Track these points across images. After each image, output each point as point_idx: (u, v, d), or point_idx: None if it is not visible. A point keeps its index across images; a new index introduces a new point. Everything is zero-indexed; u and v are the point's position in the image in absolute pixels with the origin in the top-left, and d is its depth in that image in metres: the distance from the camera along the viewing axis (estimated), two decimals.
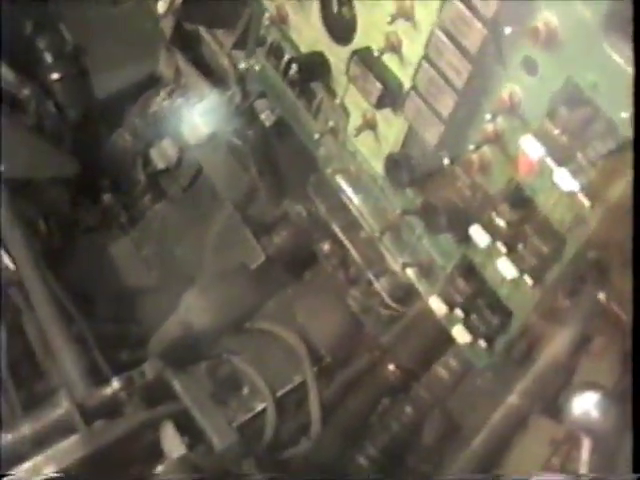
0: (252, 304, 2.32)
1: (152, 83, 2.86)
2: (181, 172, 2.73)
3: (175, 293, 2.44)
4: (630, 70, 1.27)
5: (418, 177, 1.61)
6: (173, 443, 1.68)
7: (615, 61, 1.28)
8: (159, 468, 1.70)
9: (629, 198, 1.37)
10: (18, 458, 1.68)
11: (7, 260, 2.34)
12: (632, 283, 1.33)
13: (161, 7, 2.08)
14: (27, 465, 1.65)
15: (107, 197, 2.93)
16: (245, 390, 2.28)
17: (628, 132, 1.30)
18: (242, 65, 2.01)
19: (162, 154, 2.81)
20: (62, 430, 1.72)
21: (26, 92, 2.89)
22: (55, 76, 2.92)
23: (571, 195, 1.41)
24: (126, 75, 2.89)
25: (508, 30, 1.37)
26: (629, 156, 1.33)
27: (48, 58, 2.95)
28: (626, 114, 1.30)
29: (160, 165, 2.79)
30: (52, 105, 2.93)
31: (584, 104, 1.35)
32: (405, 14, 1.55)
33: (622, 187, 1.39)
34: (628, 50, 1.28)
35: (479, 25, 1.41)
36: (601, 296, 1.75)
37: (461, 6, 1.41)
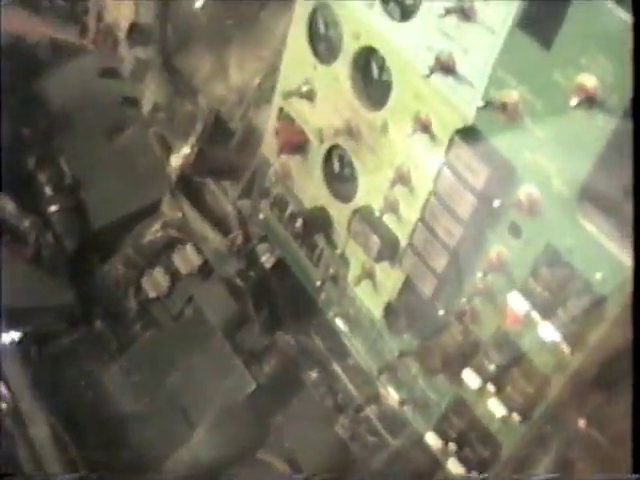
0: (256, 439, 2.42)
1: (146, 215, 3.01)
2: (172, 301, 2.82)
3: (165, 420, 2.52)
4: (602, 238, 1.47)
5: (415, 324, 1.78)
6: None
7: (588, 230, 1.48)
8: None
9: (605, 343, 1.55)
10: None
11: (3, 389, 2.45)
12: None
13: (174, 161, 2.26)
14: None
15: (98, 324, 3.02)
16: None
17: (603, 290, 1.49)
18: (246, 213, 2.18)
19: (154, 283, 2.92)
20: None
21: (26, 224, 3.05)
22: (54, 208, 3.08)
23: (554, 343, 1.59)
24: (121, 206, 3.04)
25: (496, 201, 1.56)
26: (604, 310, 1.51)
27: (48, 191, 3.12)
28: (600, 275, 1.50)
29: (151, 294, 2.89)
30: (51, 236, 3.08)
31: (563, 266, 1.54)
32: (403, 180, 1.75)
33: (598, 336, 1.57)
34: (600, 219, 1.49)
35: (470, 195, 1.61)
36: (581, 423, 1.89)
37: (454, 179, 1.62)
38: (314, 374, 2.47)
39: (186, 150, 2.24)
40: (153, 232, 2.98)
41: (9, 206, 3.09)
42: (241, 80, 2.24)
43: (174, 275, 2.85)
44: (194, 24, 2.43)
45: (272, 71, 2.07)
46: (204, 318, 2.67)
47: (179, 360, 2.68)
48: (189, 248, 2.83)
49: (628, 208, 1.46)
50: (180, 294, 2.82)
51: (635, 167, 1.38)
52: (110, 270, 3.02)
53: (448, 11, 1.55)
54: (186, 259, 2.85)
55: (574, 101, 1.38)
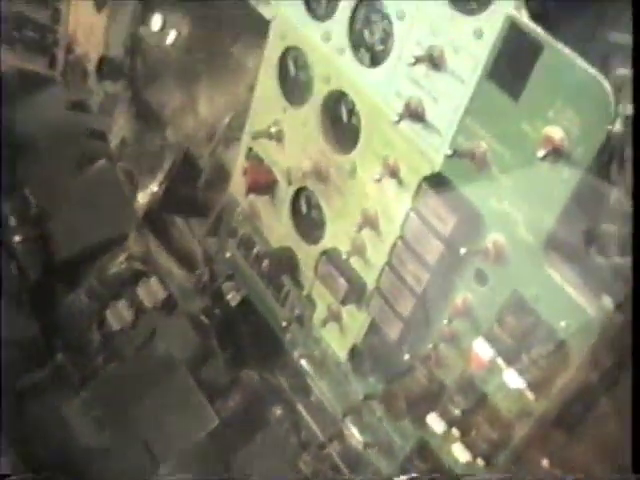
0: (219, 474, 2.40)
1: (111, 246, 3.00)
2: (136, 333, 2.81)
3: (128, 455, 2.50)
4: (567, 286, 1.49)
5: (380, 368, 1.79)
6: None
7: (553, 278, 1.50)
8: None
9: (568, 388, 1.57)
10: None
11: None
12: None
13: (141, 198, 2.26)
14: None
15: (60, 357, 2.99)
16: None
17: (567, 337, 1.51)
18: (213, 251, 2.18)
19: (118, 315, 2.91)
20: None
21: None
22: (18, 238, 3.06)
23: (518, 389, 1.60)
24: (86, 238, 3.03)
25: (463, 249, 1.58)
26: (568, 357, 1.53)
27: (12, 221, 3.10)
28: (564, 323, 1.51)
29: (115, 326, 2.88)
30: (15, 267, 3.05)
31: (528, 313, 1.56)
32: (371, 224, 1.76)
33: (562, 382, 1.58)
34: (565, 268, 1.51)
35: (437, 242, 1.62)
36: (544, 462, 1.90)
37: (421, 225, 1.63)
38: (278, 411, 2.47)
39: (154, 187, 2.23)
40: (118, 264, 2.98)
41: None
42: (210, 114, 2.24)
43: (138, 308, 2.84)
44: (164, 59, 2.43)
45: (242, 110, 2.08)
46: (168, 352, 2.64)
47: (142, 394, 2.65)
48: (154, 281, 2.82)
49: (593, 257, 1.48)
50: (144, 327, 2.81)
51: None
52: (74, 302, 2.99)
53: (418, 60, 1.57)
54: (150, 292, 2.85)
55: (541, 152, 1.40)
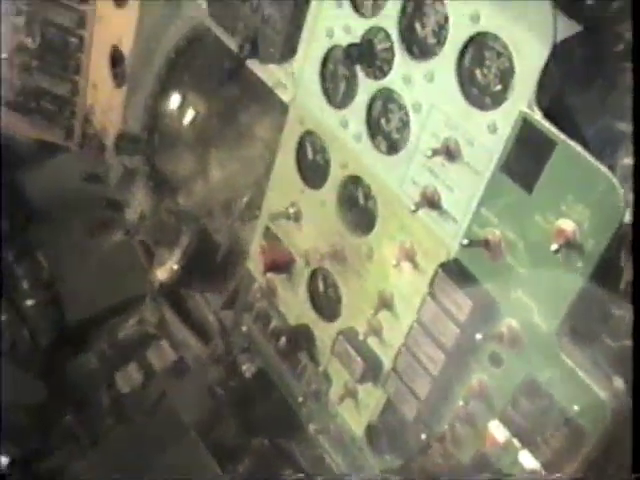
0: None
1: (122, 310, 3.03)
2: (145, 396, 2.82)
3: None
4: (580, 372, 1.53)
5: (396, 445, 1.83)
6: None
7: (567, 363, 1.55)
8: None
9: (581, 469, 1.61)
10: None
11: None
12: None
13: (160, 274, 2.31)
14: None
15: (69, 418, 3.00)
16: None
17: (581, 421, 1.55)
18: (228, 324, 2.23)
19: (127, 378, 2.93)
20: None
21: (3, 318, 3.05)
22: (30, 302, 3.09)
23: (532, 470, 1.64)
24: (98, 301, 3.06)
25: (479, 335, 1.63)
26: (581, 440, 1.57)
27: (25, 285, 3.14)
28: (577, 407, 1.56)
29: (125, 389, 2.89)
30: (26, 332, 3.08)
31: (542, 396, 1.60)
32: (387, 306, 1.81)
33: (575, 464, 1.62)
34: (578, 354, 1.56)
35: (453, 326, 1.67)
36: None
37: (438, 309, 1.68)
38: (289, 477, 2.48)
39: (173, 265, 2.28)
40: (129, 327, 3.00)
41: None
42: (227, 189, 2.30)
43: (148, 371, 2.86)
44: (182, 136, 2.50)
45: (260, 189, 2.14)
46: (177, 415, 2.66)
47: (151, 457, 2.67)
48: (164, 344, 2.85)
49: (604, 341, 1.53)
50: (153, 390, 2.83)
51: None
52: (84, 364, 3.02)
53: (435, 152, 1.64)
54: (161, 355, 2.87)
55: (554, 246, 1.46)
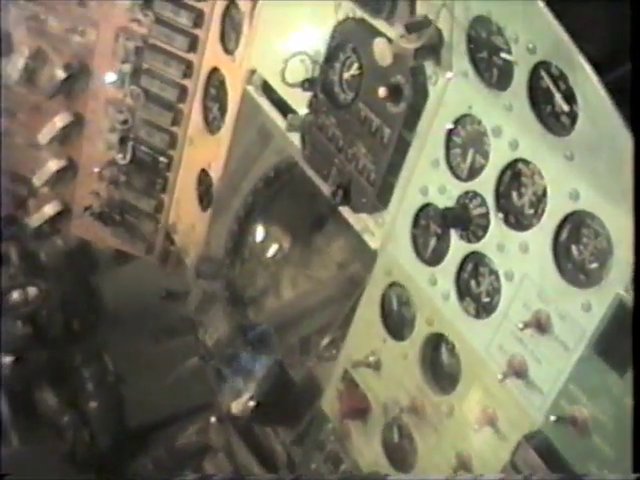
0: None
1: (183, 418, 3.05)
2: None
3: None
4: None
5: None
6: None
7: None
8: None
9: None
10: None
11: None
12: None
13: (235, 407, 2.32)
14: None
15: None
16: None
17: None
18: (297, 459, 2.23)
19: None
20: None
21: (66, 419, 3.10)
22: (94, 405, 3.13)
23: None
24: (160, 407, 3.09)
25: None
26: None
27: (90, 387, 3.18)
28: None
29: None
30: (87, 434, 3.11)
31: None
32: (466, 467, 1.81)
33: None
34: None
35: None
36: None
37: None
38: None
39: (249, 401, 2.30)
40: (188, 436, 3.02)
41: (51, 400, 3.16)
42: (309, 327, 2.33)
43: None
44: (264, 269, 2.56)
45: (341, 331, 2.16)
46: None
47: None
48: (221, 456, 2.85)
49: None
50: None
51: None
52: (140, 469, 3.03)
53: (526, 325, 1.65)
54: (217, 467, 2.88)
55: None
